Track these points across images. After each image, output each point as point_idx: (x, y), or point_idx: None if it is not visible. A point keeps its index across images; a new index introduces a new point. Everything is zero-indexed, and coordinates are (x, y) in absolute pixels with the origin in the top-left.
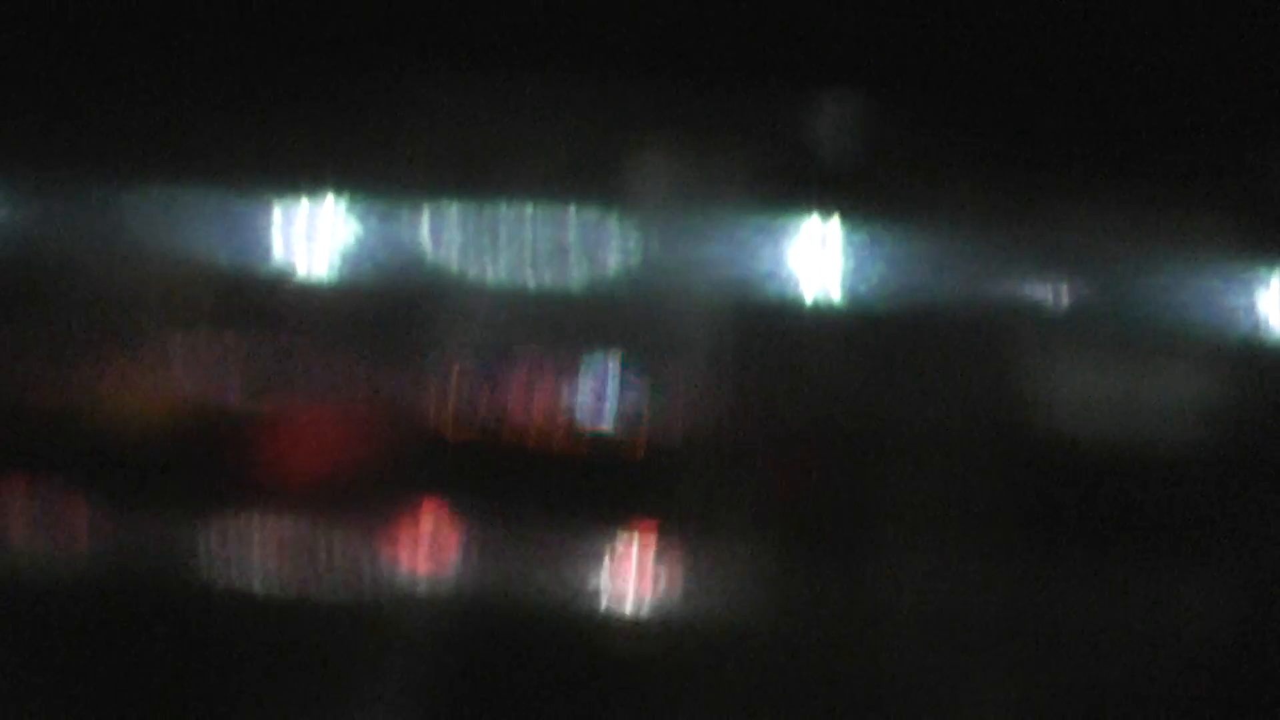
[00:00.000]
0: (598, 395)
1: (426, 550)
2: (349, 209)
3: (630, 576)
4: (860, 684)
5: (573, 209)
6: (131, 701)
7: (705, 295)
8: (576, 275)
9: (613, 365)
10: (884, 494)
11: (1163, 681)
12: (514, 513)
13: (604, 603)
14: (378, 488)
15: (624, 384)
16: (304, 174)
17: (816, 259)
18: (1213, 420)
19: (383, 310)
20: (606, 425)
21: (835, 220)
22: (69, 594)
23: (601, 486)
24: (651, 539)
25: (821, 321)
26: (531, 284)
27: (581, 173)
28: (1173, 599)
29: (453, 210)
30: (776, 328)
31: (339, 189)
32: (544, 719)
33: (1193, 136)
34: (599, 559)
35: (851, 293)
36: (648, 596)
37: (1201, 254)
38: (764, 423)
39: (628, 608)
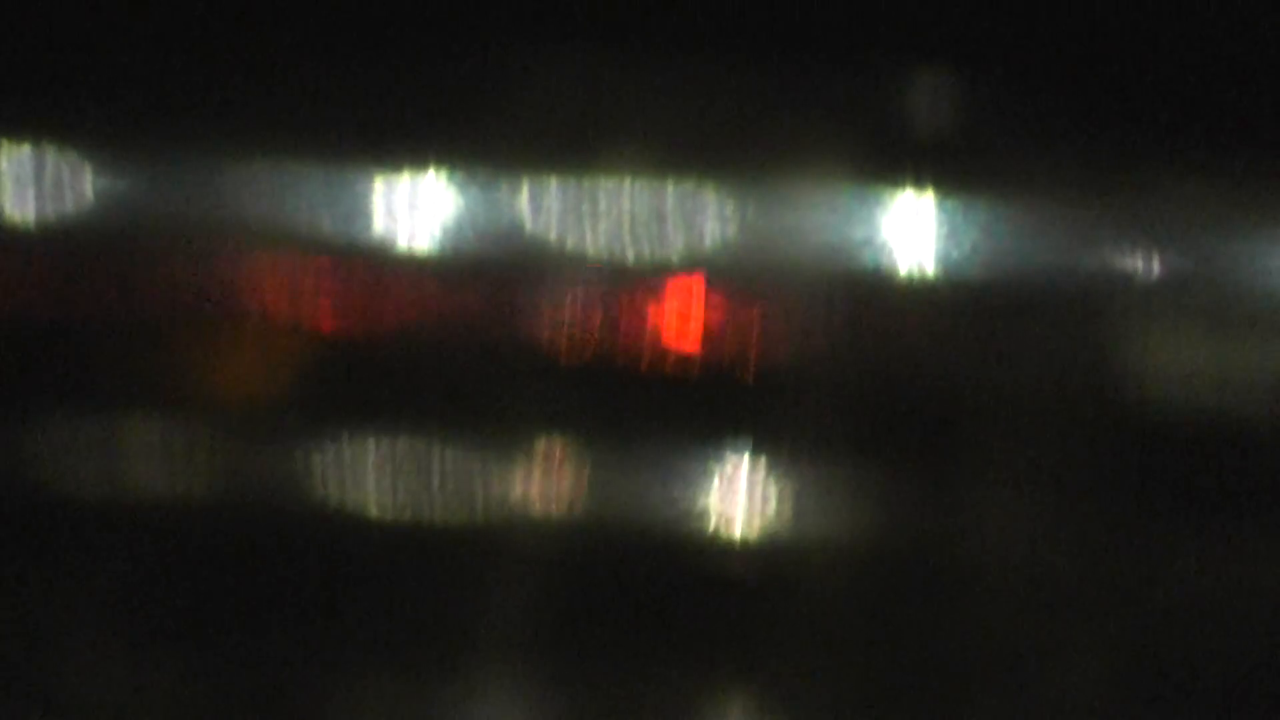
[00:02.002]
0: (706, 324)
1: (538, 474)
2: (451, 178)
3: (739, 500)
4: (956, 621)
5: (671, 181)
6: (252, 625)
7: (804, 256)
8: (675, 240)
9: (719, 298)
10: (978, 456)
11: (1256, 655)
12: (624, 436)
13: (711, 525)
14: (491, 414)
15: (730, 314)
16: (408, 145)
17: (912, 230)
18: None
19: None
20: (714, 353)
21: (930, 192)
22: (190, 519)
23: (709, 411)
24: (761, 463)
25: (915, 291)
26: (631, 248)
27: (680, 145)
28: (1267, 572)
29: (553, 179)
30: (873, 294)
31: (440, 160)
32: (652, 641)
33: None
34: (708, 482)
35: (945, 262)
36: (756, 520)
37: None
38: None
39: (736, 530)
